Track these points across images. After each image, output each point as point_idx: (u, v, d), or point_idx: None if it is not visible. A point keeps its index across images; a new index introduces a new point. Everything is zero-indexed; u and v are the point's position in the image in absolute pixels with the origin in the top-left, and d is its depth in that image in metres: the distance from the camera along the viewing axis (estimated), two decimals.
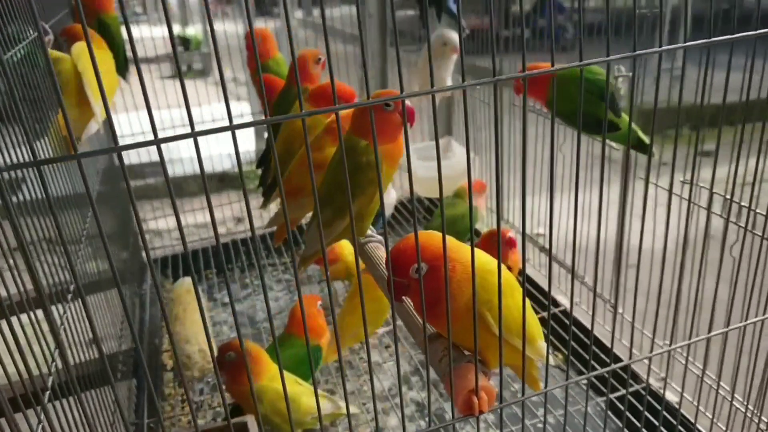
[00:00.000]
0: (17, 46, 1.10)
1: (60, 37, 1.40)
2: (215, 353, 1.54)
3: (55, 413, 0.76)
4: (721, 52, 0.91)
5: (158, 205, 2.86)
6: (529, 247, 2.32)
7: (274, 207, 1.62)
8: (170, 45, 0.54)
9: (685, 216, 1.03)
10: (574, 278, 0.88)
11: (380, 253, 1.05)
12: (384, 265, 0.98)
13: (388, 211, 2.04)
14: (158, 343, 2.19)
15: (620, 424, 1.64)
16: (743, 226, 1.23)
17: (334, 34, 3.30)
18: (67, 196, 1.24)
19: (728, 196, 1.19)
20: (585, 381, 0.97)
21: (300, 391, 1.52)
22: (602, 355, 1.79)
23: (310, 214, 1.25)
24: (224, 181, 3.62)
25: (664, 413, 1.43)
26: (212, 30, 0.56)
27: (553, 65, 0.69)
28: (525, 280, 0.79)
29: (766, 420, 1.33)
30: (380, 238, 1.09)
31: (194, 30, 6.74)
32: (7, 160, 0.89)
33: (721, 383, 1.36)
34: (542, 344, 0.91)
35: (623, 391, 1.29)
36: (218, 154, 3.32)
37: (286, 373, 1.42)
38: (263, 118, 0.60)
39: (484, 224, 2.46)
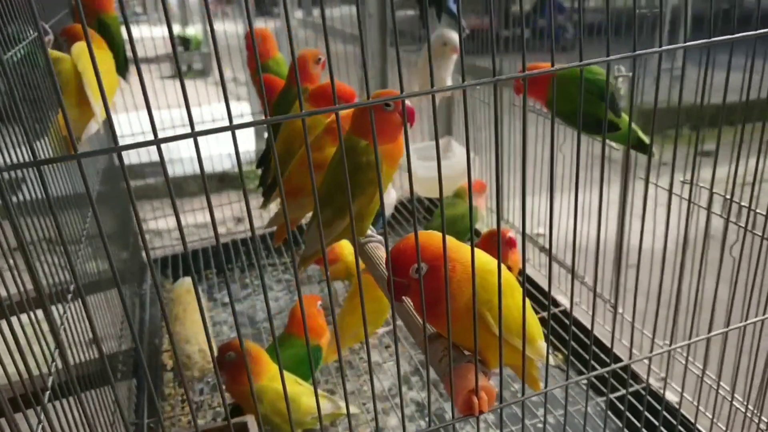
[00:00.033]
0: (17, 47, 1.10)
1: (60, 37, 1.40)
2: (215, 353, 1.55)
3: (55, 413, 0.76)
4: (721, 52, 0.91)
5: (158, 205, 2.86)
6: (530, 247, 2.32)
7: (274, 207, 1.62)
8: (170, 45, 0.54)
9: (685, 216, 1.03)
10: (574, 278, 0.87)
11: (380, 253, 1.05)
12: (384, 265, 0.98)
13: (389, 211, 2.04)
14: (158, 343, 2.19)
15: (620, 424, 1.64)
16: (743, 226, 1.23)
17: (334, 34, 3.30)
18: (67, 195, 1.24)
19: (728, 196, 1.19)
20: (585, 381, 0.97)
21: (300, 391, 1.52)
22: (602, 355, 1.79)
23: (310, 214, 1.25)
24: (224, 181, 3.62)
25: (664, 413, 1.43)
26: (212, 30, 0.56)
27: (553, 65, 0.69)
28: (525, 280, 0.79)
29: (766, 420, 1.33)
30: (380, 238, 1.09)
31: (194, 30, 6.74)
32: (7, 160, 0.89)
33: (721, 383, 1.36)
34: (542, 344, 0.91)
35: (623, 391, 1.29)
36: (218, 154, 3.32)
37: (286, 373, 1.42)
38: (263, 118, 0.60)
39: (484, 224, 2.46)
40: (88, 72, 1.26)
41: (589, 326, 1.71)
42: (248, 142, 3.93)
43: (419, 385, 1.89)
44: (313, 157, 1.13)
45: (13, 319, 0.65)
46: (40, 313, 0.70)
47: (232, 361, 1.46)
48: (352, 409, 1.72)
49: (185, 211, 2.88)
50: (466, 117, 0.65)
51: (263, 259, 2.68)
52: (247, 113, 3.32)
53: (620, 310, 1.83)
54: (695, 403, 1.39)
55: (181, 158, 3.24)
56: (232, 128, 0.56)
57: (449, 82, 2.08)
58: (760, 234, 1.19)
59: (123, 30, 1.74)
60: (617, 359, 1.73)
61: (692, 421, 1.42)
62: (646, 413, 1.53)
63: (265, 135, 3.26)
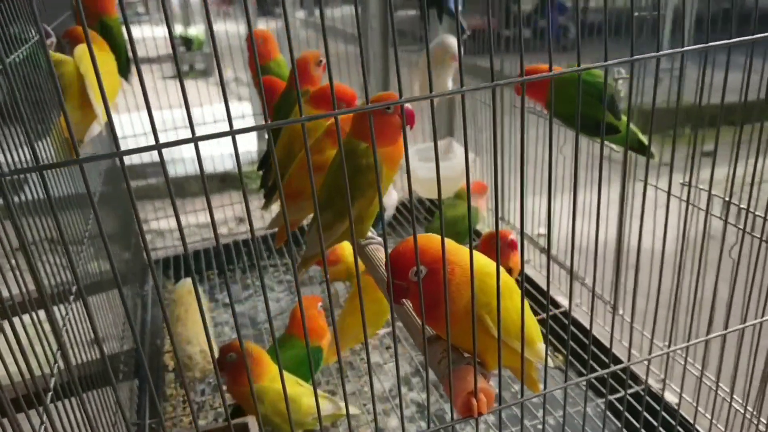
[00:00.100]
0: (20, 49, 1.11)
1: (63, 39, 1.40)
2: (216, 354, 1.55)
3: (57, 414, 0.76)
4: (721, 52, 0.91)
5: (160, 206, 2.87)
6: (531, 249, 2.32)
7: (275, 207, 1.62)
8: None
9: (684, 218, 1.03)
10: (575, 279, 0.88)
11: (381, 255, 1.05)
12: (384, 268, 0.99)
13: (390, 212, 2.05)
14: (160, 343, 2.20)
15: (619, 425, 1.65)
16: (742, 228, 1.23)
17: (336, 34, 3.30)
18: (70, 196, 1.25)
19: (727, 198, 1.19)
20: (584, 382, 0.98)
21: (301, 392, 1.52)
22: (602, 357, 1.79)
23: (311, 216, 1.26)
24: (226, 182, 3.62)
25: (663, 414, 1.43)
26: (212, 33, 0.56)
27: (551, 69, 0.70)
28: (524, 282, 0.80)
29: (765, 421, 1.33)
30: (381, 240, 1.09)
31: (196, 30, 6.75)
32: (9, 160, 0.89)
33: (720, 384, 1.36)
34: (541, 346, 0.91)
35: (622, 393, 1.30)
36: (219, 154, 3.32)
37: (287, 374, 1.42)
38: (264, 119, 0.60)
39: (486, 225, 2.46)
40: (90, 74, 1.27)
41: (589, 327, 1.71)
42: (250, 142, 3.94)
43: (420, 386, 1.89)
44: (314, 159, 1.14)
45: (15, 320, 0.65)
46: (42, 313, 0.71)
47: (233, 362, 1.47)
48: (353, 410, 1.73)
49: (187, 212, 2.89)
50: (464, 121, 0.66)
51: (265, 260, 2.68)
52: (248, 114, 3.32)
53: (620, 312, 1.84)
54: (694, 404, 1.39)
55: (183, 158, 3.25)
56: (232, 133, 0.57)
57: (450, 85, 2.08)
58: (759, 236, 1.19)
59: (125, 31, 1.74)
60: (617, 360, 1.74)
61: (691, 421, 1.42)
62: (646, 414, 1.53)
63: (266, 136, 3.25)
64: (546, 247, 2.20)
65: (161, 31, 3.01)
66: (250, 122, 3.58)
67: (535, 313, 1.94)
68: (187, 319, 2.10)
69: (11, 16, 1.13)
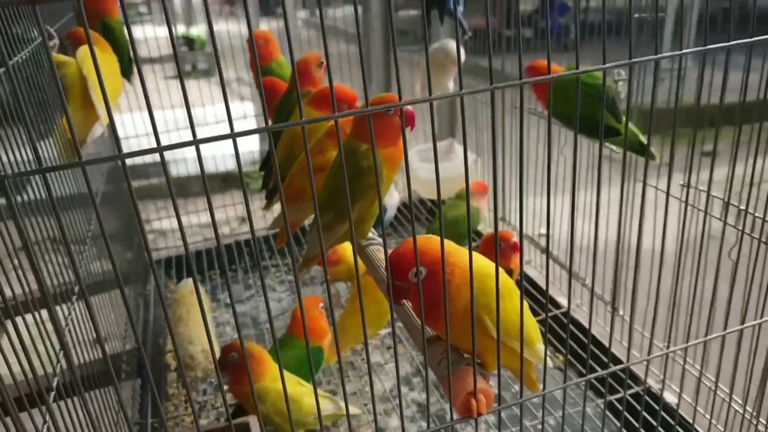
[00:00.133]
0: (23, 51, 1.11)
1: (65, 40, 1.41)
2: (217, 354, 1.56)
3: (59, 413, 0.77)
4: (721, 52, 0.91)
5: (163, 205, 2.87)
6: (531, 249, 2.33)
7: (277, 208, 1.63)
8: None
9: (683, 219, 1.03)
10: (574, 279, 0.88)
11: (381, 255, 1.05)
12: (384, 268, 0.99)
13: (392, 212, 2.05)
14: (162, 343, 2.20)
15: (619, 425, 1.65)
16: (741, 229, 1.23)
17: (338, 34, 3.31)
18: (72, 196, 1.25)
19: (726, 199, 1.19)
20: (584, 382, 0.98)
21: (302, 391, 1.52)
22: (602, 357, 1.79)
23: (312, 216, 1.26)
24: (228, 181, 3.63)
25: (663, 414, 1.43)
26: (212, 33, 0.57)
27: (549, 72, 0.70)
28: (523, 282, 0.80)
29: (764, 421, 1.34)
30: (381, 240, 1.09)
31: (198, 30, 6.76)
32: (12, 160, 0.90)
33: (720, 385, 1.36)
34: (540, 347, 0.91)
35: (622, 393, 1.30)
36: (221, 154, 3.33)
37: (288, 374, 1.42)
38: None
39: (487, 225, 2.47)
40: (92, 75, 1.27)
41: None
42: (252, 142, 3.94)
43: (421, 386, 1.90)
44: (315, 160, 1.14)
45: (18, 319, 0.66)
46: (44, 313, 0.71)
47: (234, 362, 1.47)
48: (354, 410, 1.73)
49: (189, 212, 2.89)
50: (464, 122, 0.66)
51: (266, 261, 2.69)
52: (250, 114, 3.33)
53: (620, 312, 1.84)
54: (694, 404, 1.40)
55: (185, 158, 3.26)
56: (233, 136, 0.57)
57: (452, 87, 2.09)
58: (758, 237, 1.20)
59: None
60: (616, 361, 1.74)
61: (690, 422, 1.43)
62: (645, 414, 1.53)
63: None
64: (546, 247, 2.20)
65: (163, 31, 3.01)
66: (252, 122, 3.58)
67: (535, 314, 1.94)
68: (188, 319, 2.11)
69: (14, 17, 1.14)
